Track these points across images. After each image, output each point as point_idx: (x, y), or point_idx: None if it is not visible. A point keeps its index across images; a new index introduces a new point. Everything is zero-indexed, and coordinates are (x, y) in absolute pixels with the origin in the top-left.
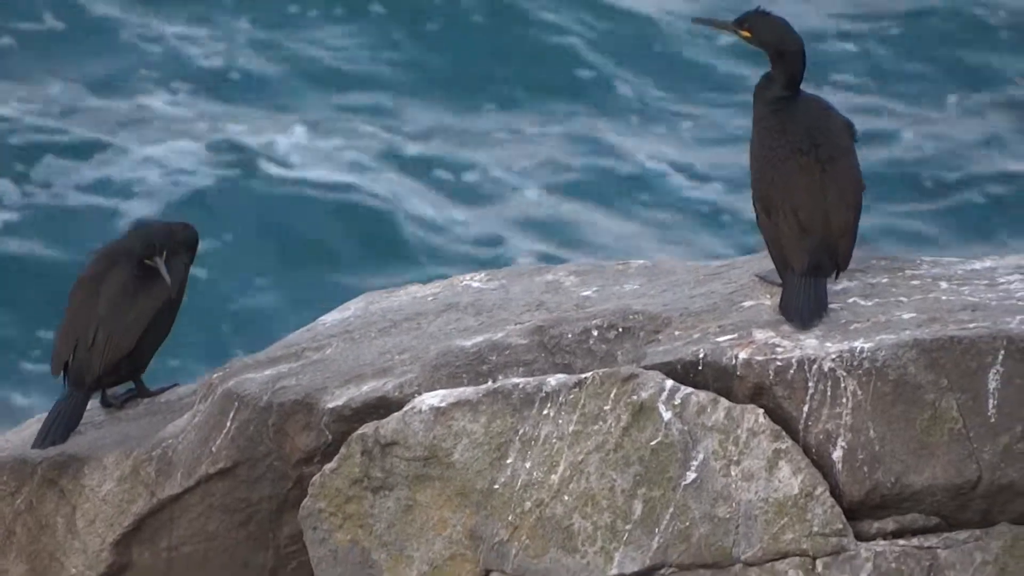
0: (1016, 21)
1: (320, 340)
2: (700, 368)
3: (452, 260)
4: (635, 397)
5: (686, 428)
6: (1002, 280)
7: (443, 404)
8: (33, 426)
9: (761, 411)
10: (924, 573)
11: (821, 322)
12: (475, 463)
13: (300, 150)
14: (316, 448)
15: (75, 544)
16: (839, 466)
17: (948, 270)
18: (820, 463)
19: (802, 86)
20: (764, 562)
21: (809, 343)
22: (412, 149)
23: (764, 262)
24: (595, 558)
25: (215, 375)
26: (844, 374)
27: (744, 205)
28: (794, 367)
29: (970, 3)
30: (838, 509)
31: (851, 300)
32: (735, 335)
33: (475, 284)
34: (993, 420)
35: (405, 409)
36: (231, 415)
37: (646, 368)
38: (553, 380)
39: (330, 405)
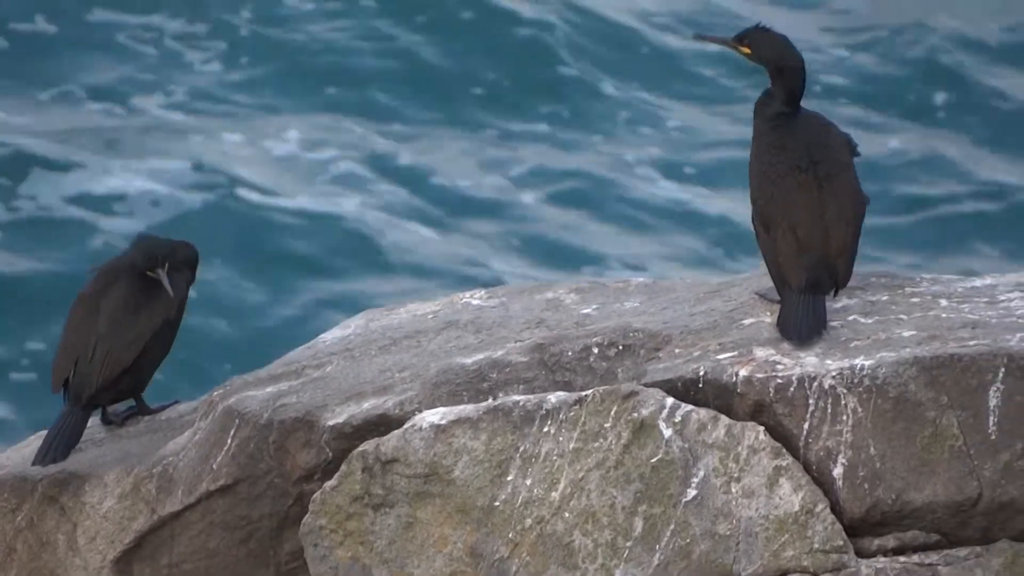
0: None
1: (320, 358)
2: (700, 386)
3: (444, 273)
4: (636, 414)
5: (687, 445)
6: (1002, 298)
7: (444, 421)
8: (34, 443)
9: (761, 428)
10: None
11: (819, 340)
12: (476, 480)
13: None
14: (317, 465)
15: (76, 561)
16: (840, 483)
17: (948, 288)
18: (821, 480)
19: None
20: None
21: (809, 360)
22: (405, 157)
23: (764, 279)
24: (596, 575)
25: (216, 392)
26: (844, 391)
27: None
28: (794, 384)
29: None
30: (839, 526)
31: (851, 317)
32: (735, 353)
33: (475, 302)
34: (994, 437)
35: (406, 426)
36: (232, 432)
37: (647, 386)
38: (553, 397)
39: (331, 422)
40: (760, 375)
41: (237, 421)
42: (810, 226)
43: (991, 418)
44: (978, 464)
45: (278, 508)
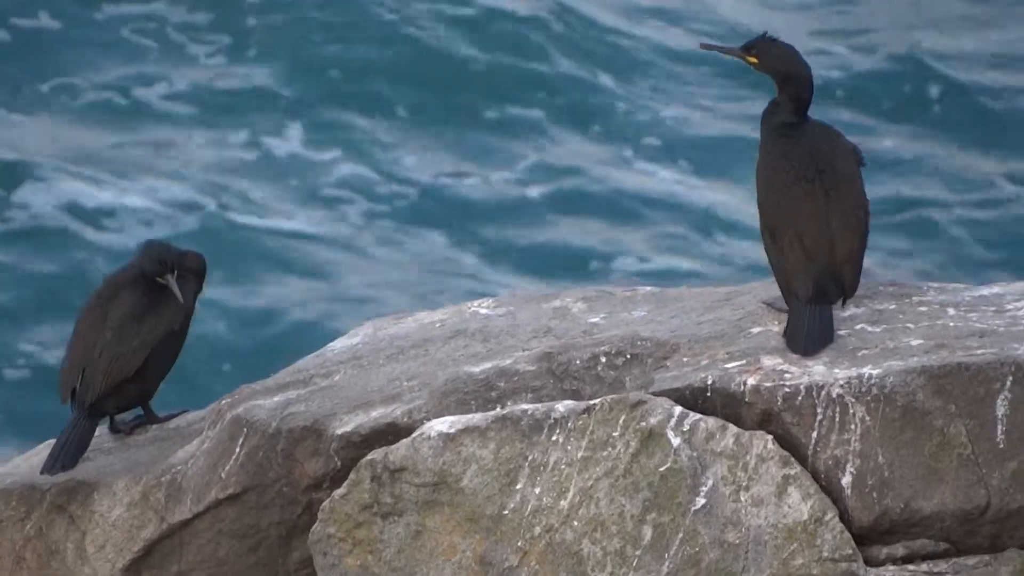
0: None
1: (329, 366)
2: (708, 394)
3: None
4: (644, 423)
5: (695, 454)
6: (1009, 307)
7: (452, 430)
8: (42, 452)
9: (770, 437)
10: None
11: (825, 350)
12: (484, 489)
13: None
14: (325, 474)
15: (85, 570)
16: (848, 491)
17: (955, 296)
18: (829, 489)
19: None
20: None
21: (817, 369)
22: (408, 162)
23: (772, 288)
24: None
25: (224, 401)
26: (852, 400)
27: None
28: (802, 393)
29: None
30: (847, 534)
31: (859, 326)
32: (743, 361)
33: (483, 311)
34: (1002, 446)
35: (414, 435)
36: (240, 441)
37: (655, 394)
38: (562, 406)
39: (339, 431)
40: (768, 384)
41: (246, 430)
42: (816, 235)
43: (999, 426)
44: (986, 472)
45: (287, 517)
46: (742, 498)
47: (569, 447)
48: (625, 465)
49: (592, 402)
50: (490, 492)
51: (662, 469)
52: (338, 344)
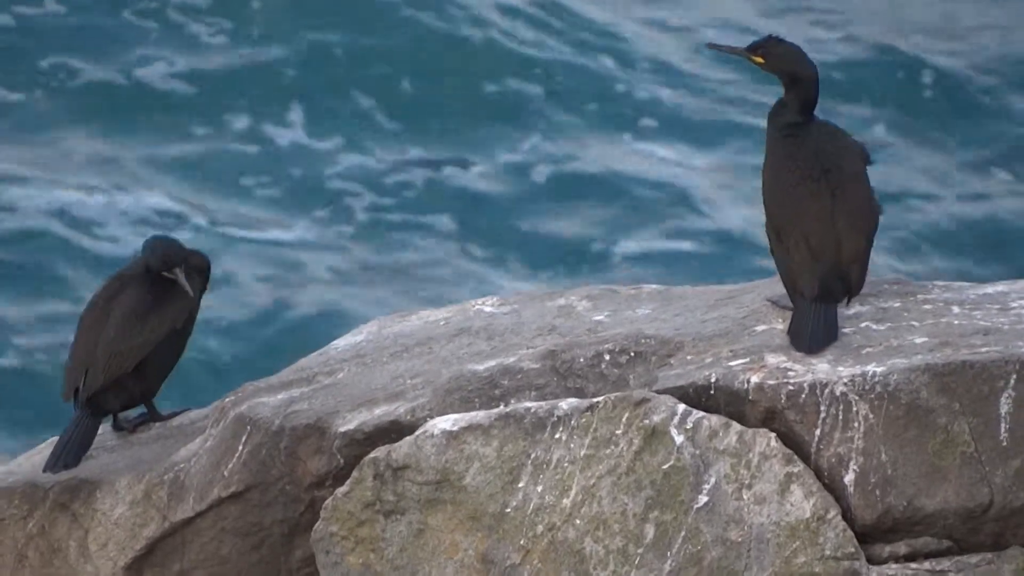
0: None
1: (332, 364)
2: (712, 392)
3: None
4: (647, 421)
5: (698, 452)
6: (1014, 304)
7: (455, 428)
8: (45, 451)
9: (773, 435)
10: None
11: (829, 348)
12: (487, 487)
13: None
14: (328, 472)
15: (87, 568)
16: (851, 489)
17: (960, 295)
18: (832, 487)
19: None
20: None
21: (821, 367)
22: (413, 152)
23: (776, 286)
24: None
25: (227, 399)
26: (856, 398)
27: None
28: (806, 391)
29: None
30: (850, 533)
31: (863, 324)
32: (747, 359)
33: (487, 309)
34: (1005, 444)
35: (417, 433)
36: (243, 439)
37: (658, 392)
38: (565, 404)
39: (342, 429)
40: (772, 382)
41: (248, 427)
42: (822, 235)
43: (1002, 424)
44: (989, 470)
45: (289, 515)
46: (745, 496)
47: (572, 445)
48: (628, 463)
49: (595, 400)
50: (493, 490)
51: (665, 467)
52: (342, 342)
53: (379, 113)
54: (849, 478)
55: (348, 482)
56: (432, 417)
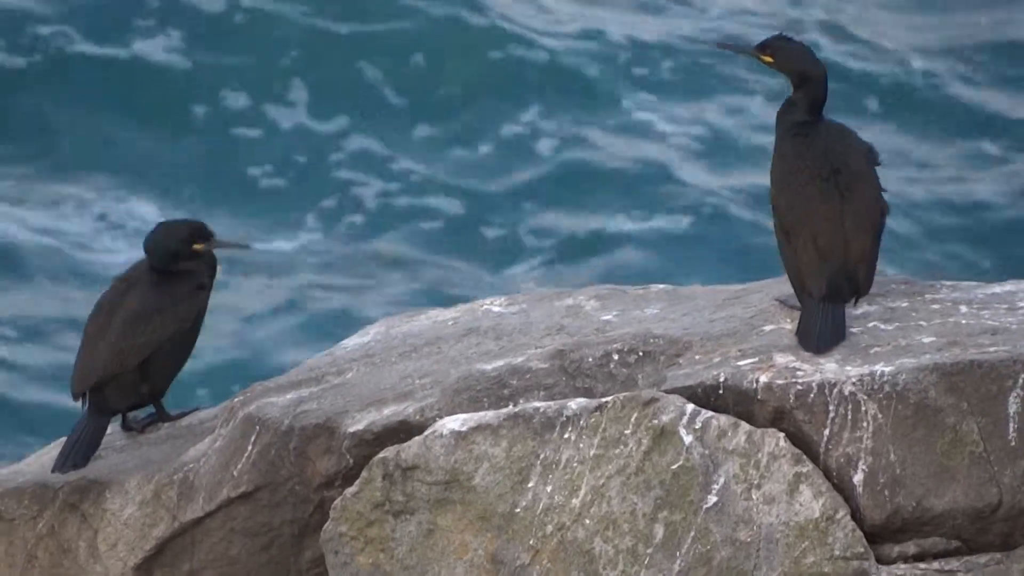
0: None
1: (341, 364)
2: (721, 392)
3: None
4: (656, 421)
5: (707, 452)
6: (1022, 304)
7: (464, 428)
8: (54, 452)
9: (782, 435)
10: None
11: (837, 347)
12: (496, 487)
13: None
14: (337, 472)
15: (97, 568)
16: (860, 489)
17: (968, 294)
18: (841, 487)
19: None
20: None
21: (829, 367)
22: (421, 131)
23: (784, 286)
24: None
25: (236, 399)
26: (865, 398)
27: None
28: (814, 391)
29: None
30: (859, 533)
31: (871, 324)
32: (756, 359)
33: (495, 308)
34: (1014, 443)
35: (426, 433)
36: (252, 439)
37: (667, 392)
38: (574, 404)
39: (351, 429)
40: (780, 381)
41: (258, 428)
42: (831, 235)
43: (1011, 424)
44: (998, 470)
45: (299, 515)
46: (754, 496)
47: (581, 445)
48: (637, 463)
49: (604, 400)
50: (502, 490)
51: (674, 467)
52: (350, 342)
53: (385, 96)
54: (858, 478)
55: (357, 482)
56: (441, 417)
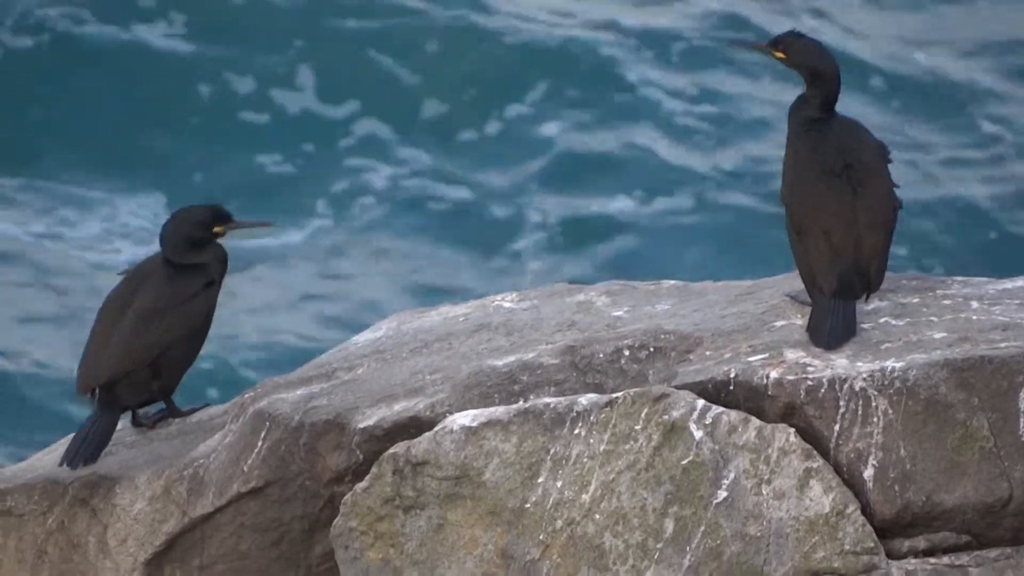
0: None
1: (352, 360)
2: (731, 388)
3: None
4: (666, 416)
5: (717, 447)
6: None
7: (474, 424)
8: (62, 449)
9: (792, 430)
10: None
11: (848, 343)
12: (506, 482)
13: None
14: (347, 467)
15: (107, 563)
16: (870, 484)
17: (979, 290)
18: (851, 482)
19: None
20: None
21: (840, 363)
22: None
23: (795, 281)
24: None
25: (246, 395)
26: (875, 393)
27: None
28: (825, 386)
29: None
30: (869, 527)
31: (882, 320)
32: (766, 355)
33: (506, 304)
34: None
35: (436, 429)
36: (263, 435)
37: (677, 388)
38: (584, 400)
39: (361, 425)
40: (791, 377)
41: (268, 423)
42: (843, 231)
43: (1021, 419)
44: (1008, 465)
45: (309, 510)
46: (764, 491)
47: (591, 440)
48: (647, 458)
49: (615, 395)
50: (512, 485)
51: (684, 462)
52: (361, 338)
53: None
54: (868, 473)
55: (368, 478)
56: (451, 413)
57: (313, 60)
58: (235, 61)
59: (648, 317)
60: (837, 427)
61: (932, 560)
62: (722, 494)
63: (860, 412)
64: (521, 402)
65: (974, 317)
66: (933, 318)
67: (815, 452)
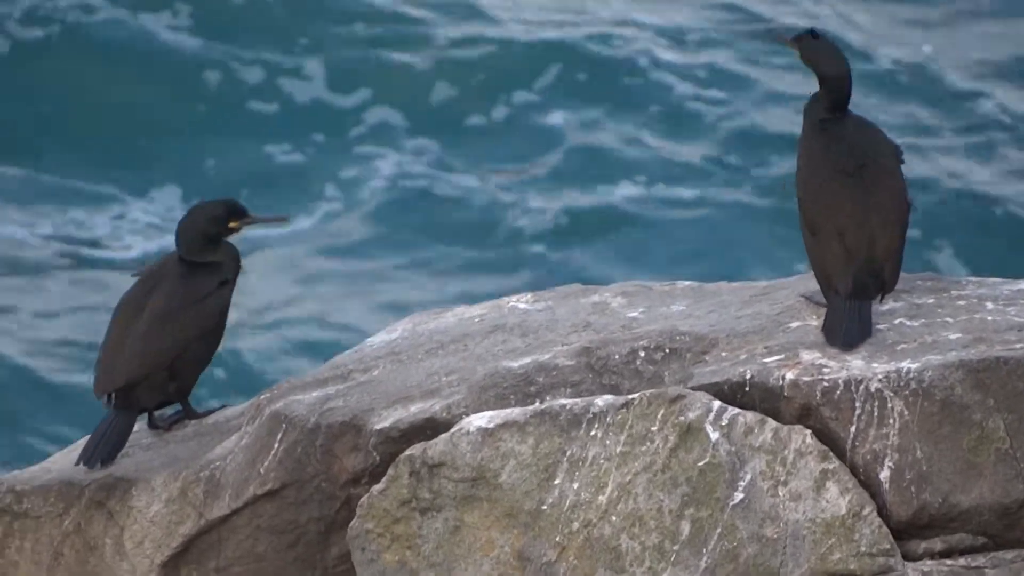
0: None
1: (367, 362)
2: (747, 389)
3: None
4: (682, 418)
5: (733, 449)
6: None
7: (491, 425)
8: (78, 451)
9: (808, 432)
10: None
11: (864, 344)
12: (523, 484)
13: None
14: (364, 469)
15: (123, 566)
16: (886, 486)
17: (994, 290)
18: (867, 483)
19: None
20: None
21: (856, 364)
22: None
23: (810, 282)
24: None
25: (263, 396)
26: (891, 394)
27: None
28: (841, 388)
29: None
30: (886, 529)
31: (897, 321)
32: (782, 356)
33: (521, 305)
34: None
35: (453, 430)
36: (279, 436)
37: (693, 389)
38: (600, 401)
39: (378, 426)
40: (807, 378)
41: (284, 425)
42: (856, 231)
43: None
44: None
45: (325, 512)
46: (780, 493)
47: (608, 442)
48: (664, 460)
49: (631, 396)
50: (528, 487)
51: (700, 464)
52: (377, 339)
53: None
54: (884, 475)
55: (384, 479)
56: (468, 414)
57: (322, 50)
58: (243, 51)
59: (663, 318)
60: (853, 428)
61: (948, 562)
62: (739, 496)
63: (876, 413)
64: (537, 403)
65: (989, 318)
66: (948, 319)
67: (831, 454)
